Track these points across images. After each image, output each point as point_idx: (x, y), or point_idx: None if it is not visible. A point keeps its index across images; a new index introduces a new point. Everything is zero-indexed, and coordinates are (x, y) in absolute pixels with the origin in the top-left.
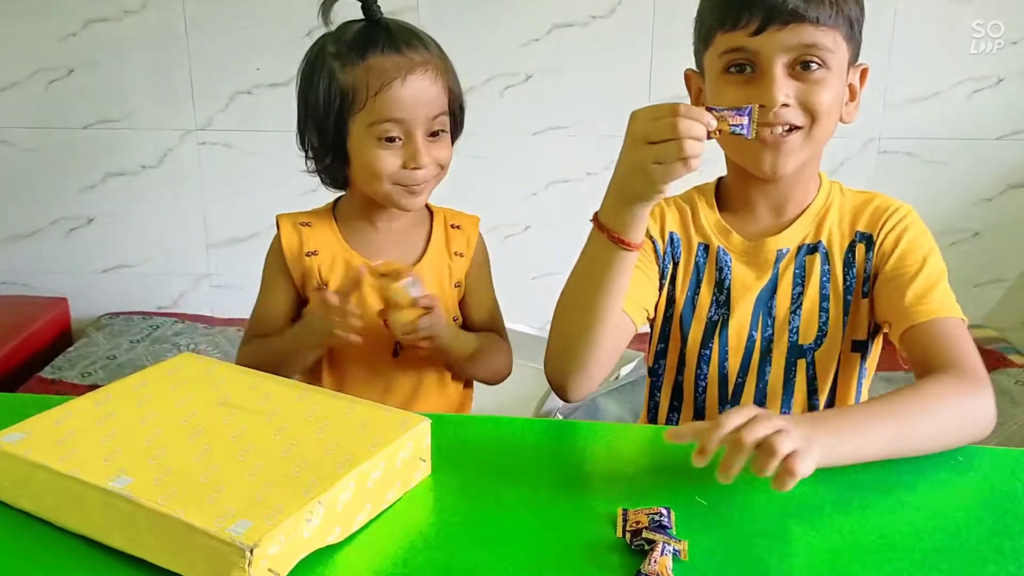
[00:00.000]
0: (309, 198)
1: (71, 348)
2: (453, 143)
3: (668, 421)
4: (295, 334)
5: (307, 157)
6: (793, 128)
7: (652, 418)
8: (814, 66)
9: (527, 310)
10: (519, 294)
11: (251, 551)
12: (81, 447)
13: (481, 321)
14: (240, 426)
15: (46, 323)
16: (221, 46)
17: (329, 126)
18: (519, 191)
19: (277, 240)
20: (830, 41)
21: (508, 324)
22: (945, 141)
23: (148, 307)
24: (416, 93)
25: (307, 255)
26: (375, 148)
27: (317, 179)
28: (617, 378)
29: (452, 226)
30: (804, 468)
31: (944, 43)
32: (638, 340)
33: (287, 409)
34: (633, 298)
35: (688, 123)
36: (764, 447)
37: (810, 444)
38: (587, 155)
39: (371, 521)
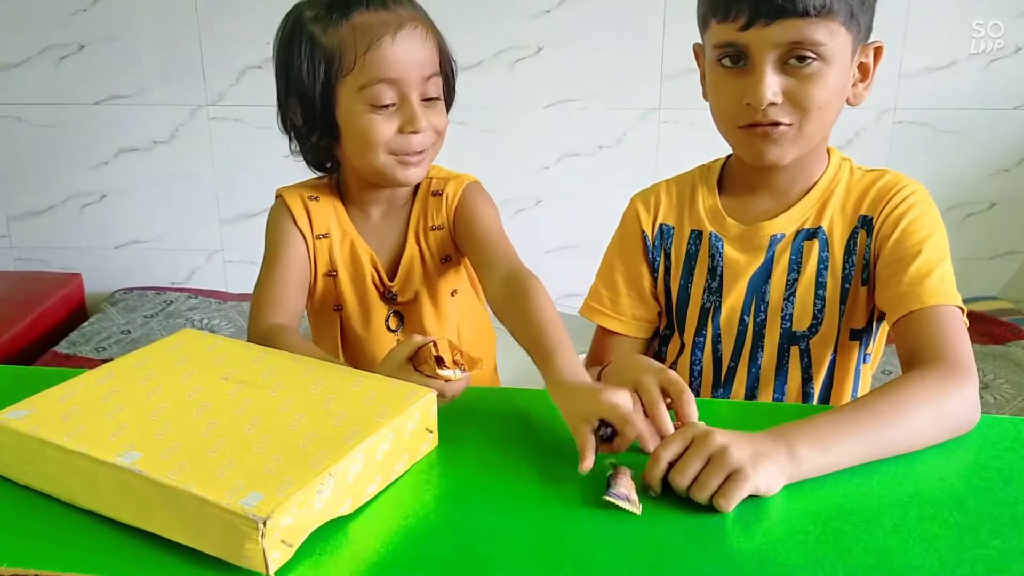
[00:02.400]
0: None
1: (86, 323)
2: (449, 106)
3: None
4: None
5: (290, 139)
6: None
7: None
8: (808, 59)
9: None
10: (532, 269)
11: (264, 523)
12: (87, 423)
13: (499, 265)
14: (245, 400)
15: (61, 299)
16: (231, 20)
17: (315, 97)
18: (530, 165)
19: (284, 213)
20: (823, 33)
21: None
22: (961, 112)
23: (161, 282)
24: (408, 50)
25: (318, 237)
26: (368, 114)
27: None
28: None
29: (433, 194)
30: (729, 505)
31: (961, 11)
32: None
33: (292, 383)
34: (634, 315)
35: None
36: (697, 483)
37: (755, 462)
38: (599, 128)
39: (380, 492)
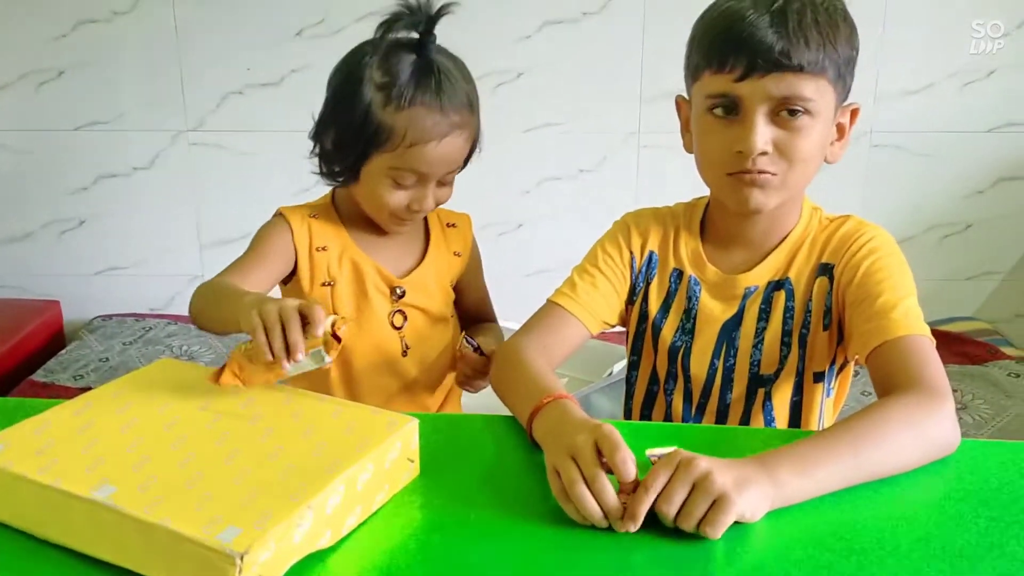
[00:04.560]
0: (300, 198)
1: (63, 351)
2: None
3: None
4: (245, 303)
5: (313, 151)
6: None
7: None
8: (798, 113)
9: (520, 308)
10: (512, 292)
11: (241, 558)
12: (61, 457)
13: (477, 313)
14: (224, 431)
15: (38, 326)
16: (211, 46)
17: (352, 148)
18: (512, 189)
19: (283, 225)
20: (813, 89)
21: (501, 322)
22: (937, 134)
23: (141, 309)
24: (446, 155)
25: (317, 250)
26: (388, 185)
27: (310, 179)
28: (610, 374)
29: (448, 225)
30: (717, 532)
31: (936, 35)
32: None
33: (271, 413)
34: (590, 307)
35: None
36: (683, 511)
37: (739, 487)
38: (579, 152)
39: (361, 524)
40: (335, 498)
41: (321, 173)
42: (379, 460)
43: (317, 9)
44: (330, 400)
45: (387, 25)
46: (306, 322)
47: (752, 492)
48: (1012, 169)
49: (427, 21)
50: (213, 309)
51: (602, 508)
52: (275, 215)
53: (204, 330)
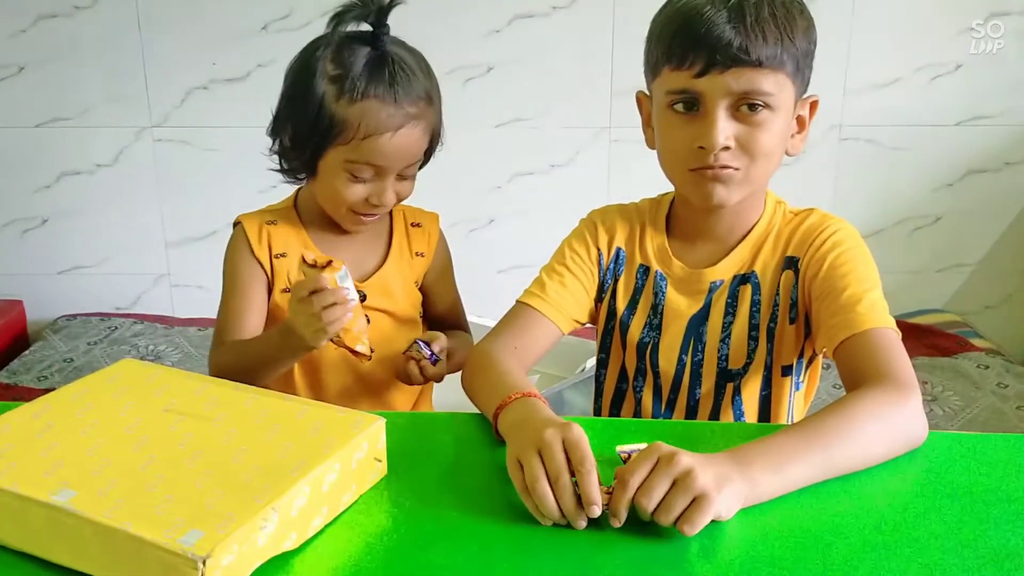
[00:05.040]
0: (268, 195)
1: (27, 352)
2: (429, 160)
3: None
4: (276, 341)
5: (272, 149)
6: (730, 168)
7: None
8: (759, 107)
9: (493, 305)
10: (485, 289)
11: (204, 562)
12: (20, 461)
13: (445, 316)
14: (186, 433)
15: (1, 327)
16: (175, 41)
17: (308, 143)
18: (483, 184)
19: (243, 240)
20: (772, 84)
21: (473, 318)
22: (906, 128)
23: (106, 308)
24: (401, 147)
25: (276, 257)
26: (344, 179)
27: (275, 176)
28: (583, 370)
29: (412, 224)
30: (694, 530)
31: (903, 29)
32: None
33: (235, 414)
34: (560, 306)
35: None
36: (662, 506)
37: (719, 486)
38: (551, 147)
39: (327, 526)
40: (300, 499)
41: (280, 170)
42: (346, 460)
43: (283, 3)
44: (296, 400)
45: (338, 18)
46: None
47: (729, 491)
48: (981, 162)
49: (378, 12)
50: (256, 372)
51: (562, 508)
52: (234, 225)
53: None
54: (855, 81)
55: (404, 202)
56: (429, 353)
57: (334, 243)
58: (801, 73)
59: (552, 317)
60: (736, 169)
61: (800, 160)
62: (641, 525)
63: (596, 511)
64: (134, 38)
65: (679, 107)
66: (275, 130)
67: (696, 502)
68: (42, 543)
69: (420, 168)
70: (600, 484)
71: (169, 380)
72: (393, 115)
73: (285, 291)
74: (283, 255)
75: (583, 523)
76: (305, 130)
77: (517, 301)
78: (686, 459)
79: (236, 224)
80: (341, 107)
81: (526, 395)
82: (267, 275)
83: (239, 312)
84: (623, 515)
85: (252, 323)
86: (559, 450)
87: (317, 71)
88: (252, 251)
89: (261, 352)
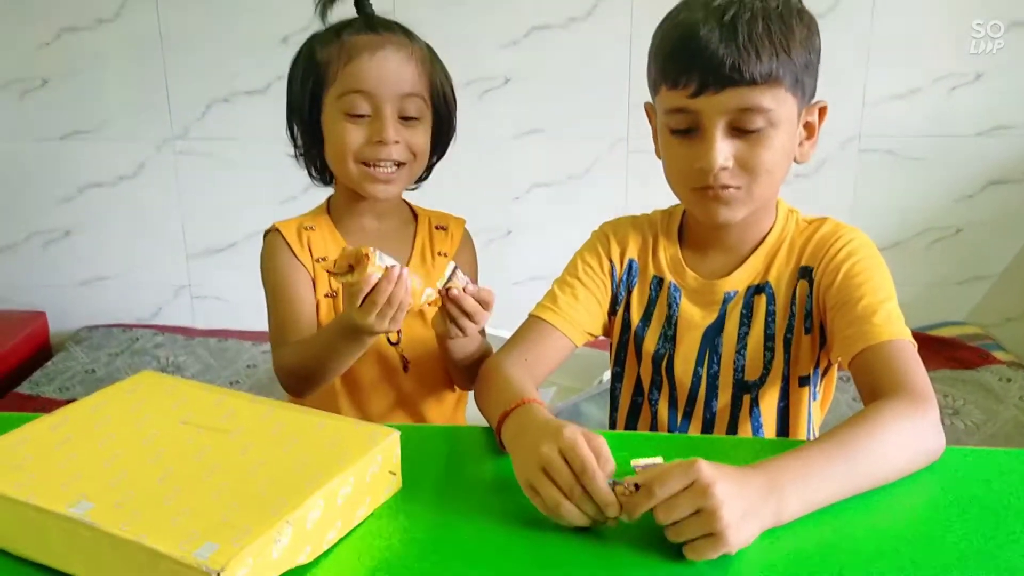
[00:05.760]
0: (289, 206)
1: (49, 363)
2: (445, 143)
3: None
4: (337, 334)
5: (295, 150)
6: (731, 188)
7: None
8: (758, 123)
9: (510, 316)
10: (502, 299)
11: (218, 575)
12: (38, 472)
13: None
14: (203, 445)
15: (24, 338)
16: (197, 54)
17: (305, 104)
18: (501, 195)
19: (282, 245)
20: (769, 100)
21: (490, 330)
22: (925, 139)
23: (127, 319)
24: (384, 68)
25: (317, 261)
26: (342, 121)
27: (297, 187)
28: (600, 383)
29: (437, 227)
30: (697, 559)
31: (922, 39)
32: None
33: (252, 426)
34: (573, 319)
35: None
36: (676, 526)
37: (739, 525)
38: (568, 158)
39: (341, 539)
40: (315, 512)
41: (309, 174)
42: (360, 473)
43: (303, 16)
44: (313, 412)
45: (323, 3)
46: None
47: (750, 526)
48: (1001, 173)
49: None
50: (324, 368)
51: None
52: (270, 232)
53: (308, 389)
54: (874, 92)
55: (432, 210)
56: (464, 281)
57: (365, 243)
58: (802, 84)
59: (565, 330)
60: (737, 188)
61: (819, 172)
62: (658, 532)
63: (613, 511)
64: (156, 51)
65: (678, 129)
66: (291, 129)
67: (711, 538)
68: (59, 555)
69: (437, 158)
70: (612, 480)
71: (187, 392)
72: (372, 40)
73: (328, 296)
74: (323, 259)
75: (614, 512)
76: (301, 95)
77: (530, 315)
78: (720, 493)
79: (269, 232)
80: (322, 52)
81: (523, 402)
82: (312, 277)
83: (294, 313)
84: (637, 517)
85: (309, 321)
86: (562, 463)
87: (306, 46)
88: (295, 254)
89: (324, 342)
